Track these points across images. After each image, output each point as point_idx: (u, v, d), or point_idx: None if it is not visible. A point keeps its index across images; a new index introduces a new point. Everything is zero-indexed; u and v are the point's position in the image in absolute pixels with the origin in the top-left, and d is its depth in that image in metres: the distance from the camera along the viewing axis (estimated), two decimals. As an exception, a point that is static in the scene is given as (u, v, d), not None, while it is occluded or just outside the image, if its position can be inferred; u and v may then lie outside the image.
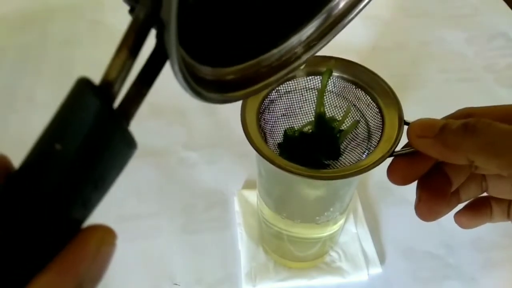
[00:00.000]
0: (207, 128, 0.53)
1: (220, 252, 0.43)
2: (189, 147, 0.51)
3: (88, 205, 0.17)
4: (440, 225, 0.44)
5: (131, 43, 0.16)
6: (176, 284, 0.41)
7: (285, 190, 0.35)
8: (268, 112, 0.32)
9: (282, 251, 0.41)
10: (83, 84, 0.15)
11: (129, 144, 0.17)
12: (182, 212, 0.46)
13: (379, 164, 0.27)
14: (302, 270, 0.41)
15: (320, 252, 0.41)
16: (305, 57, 0.26)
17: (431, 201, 0.27)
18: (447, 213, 0.28)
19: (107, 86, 0.16)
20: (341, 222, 0.38)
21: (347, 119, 0.33)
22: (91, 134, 0.15)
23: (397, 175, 0.27)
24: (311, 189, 0.34)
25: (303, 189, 0.34)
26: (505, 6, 0.70)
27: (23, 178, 0.16)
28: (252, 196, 0.46)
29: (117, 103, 0.17)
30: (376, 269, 0.42)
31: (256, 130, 0.29)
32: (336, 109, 0.34)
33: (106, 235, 0.17)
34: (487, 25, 0.67)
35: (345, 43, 0.63)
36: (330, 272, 0.41)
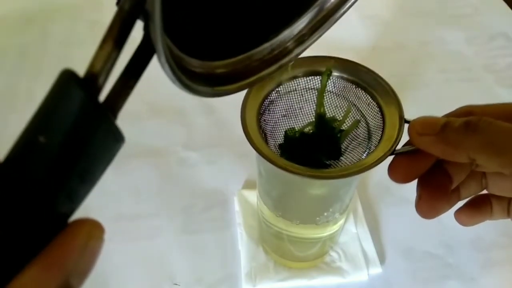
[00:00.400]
0: (207, 128, 0.53)
1: (220, 252, 0.43)
2: (189, 147, 0.51)
3: (75, 199, 0.17)
4: (440, 225, 0.44)
5: (116, 34, 0.16)
6: (176, 284, 0.41)
7: (285, 190, 0.35)
8: (269, 112, 0.32)
9: (282, 251, 0.41)
10: (67, 76, 0.15)
11: (116, 138, 0.17)
12: (182, 212, 0.46)
13: (380, 162, 0.27)
14: (302, 270, 0.41)
15: (320, 252, 0.41)
16: (297, 52, 0.26)
17: (432, 199, 0.27)
18: (447, 210, 0.28)
19: (92, 78, 0.16)
20: (341, 222, 0.38)
21: (347, 119, 0.33)
22: (76, 126, 0.15)
23: (398, 173, 0.27)
24: (311, 189, 0.34)
25: (303, 189, 0.34)
26: (505, 6, 0.70)
27: (7, 170, 0.16)
28: (252, 196, 0.46)
29: (103, 95, 0.16)
30: (376, 269, 0.42)
31: (256, 130, 0.29)
32: (337, 109, 0.34)
33: (93, 229, 0.17)
34: (487, 25, 0.67)
35: (345, 43, 0.64)
36: (330, 272, 0.41)
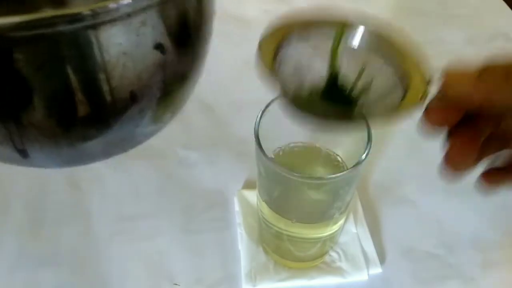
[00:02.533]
0: (206, 127, 0.53)
1: (220, 252, 0.43)
2: (189, 147, 0.51)
3: None
4: (440, 225, 0.44)
5: None
6: (176, 284, 0.41)
7: (285, 189, 0.35)
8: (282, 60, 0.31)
9: (282, 251, 0.41)
10: None
11: None
12: (182, 212, 0.46)
13: (411, 111, 0.26)
14: (302, 270, 0.41)
15: (320, 252, 0.41)
16: None
17: (463, 149, 0.27)
18: (474, 166, 0.28)
19: None
20: (341, 222, 0.38)
21: (362, 79, 0.32)
22: None
23: (434, 115, 0.27)
24: (311, 189, 0.34)
25: (303, 189, 0.34)
26: (505, 6, 0.70)
27: None
28: (252, 196, 0.46)
29: None
30: (376, 269, 0.42)
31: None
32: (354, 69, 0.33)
33: None
34: (487, 25, 0.67)
35: (345, 43, 0.63)
36: (330, 272, 0.41)
